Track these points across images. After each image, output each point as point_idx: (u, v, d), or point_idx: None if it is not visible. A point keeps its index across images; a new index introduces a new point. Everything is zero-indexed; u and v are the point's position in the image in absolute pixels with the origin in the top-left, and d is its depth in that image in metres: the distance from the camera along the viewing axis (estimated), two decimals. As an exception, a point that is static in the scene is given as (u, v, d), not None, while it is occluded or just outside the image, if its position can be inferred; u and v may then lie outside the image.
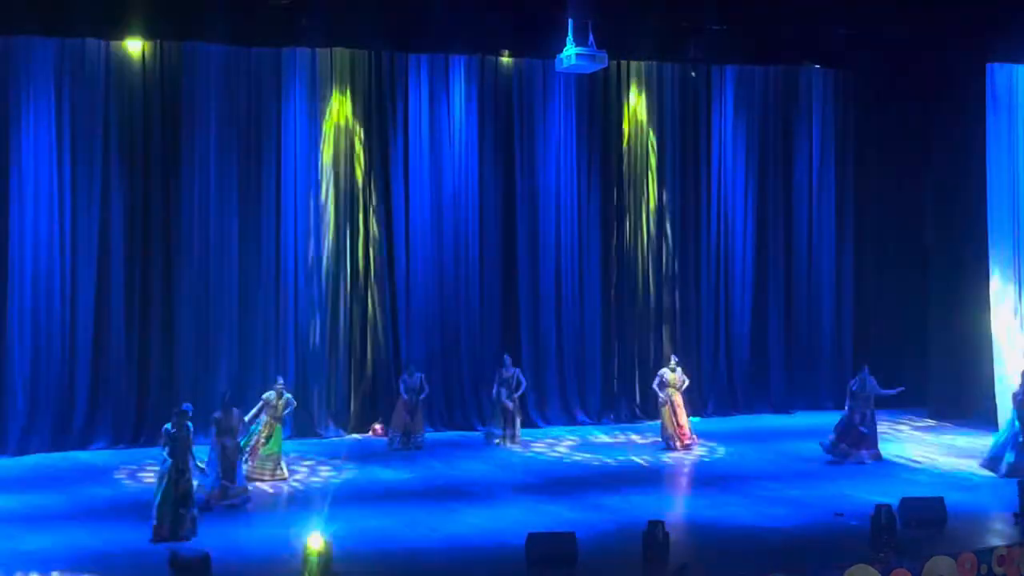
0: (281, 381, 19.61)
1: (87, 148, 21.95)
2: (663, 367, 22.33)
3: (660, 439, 21.92)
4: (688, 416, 22.04)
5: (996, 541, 14.60)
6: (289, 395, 19.49)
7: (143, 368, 22.30)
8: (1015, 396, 19.34)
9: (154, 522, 15.08)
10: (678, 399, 21.82)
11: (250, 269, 23.03)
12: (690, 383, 22.39)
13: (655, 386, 22.00)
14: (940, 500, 15.61)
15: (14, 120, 21.48)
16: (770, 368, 26.47)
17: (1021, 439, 18.92)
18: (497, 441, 22.30)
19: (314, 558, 12.84)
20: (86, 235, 21.97)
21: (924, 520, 15.20)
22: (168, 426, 15.52)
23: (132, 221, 22.30)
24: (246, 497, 17.22)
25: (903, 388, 20.94)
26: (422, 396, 21.97)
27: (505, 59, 24.49)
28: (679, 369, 22.06)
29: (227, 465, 17.11)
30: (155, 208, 22.51)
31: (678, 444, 21.58)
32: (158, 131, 22.47)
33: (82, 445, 21.60)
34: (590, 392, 25.14)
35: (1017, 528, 15.38)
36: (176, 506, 15.10)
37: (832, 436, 20.36)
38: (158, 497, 15.22)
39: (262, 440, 18.84)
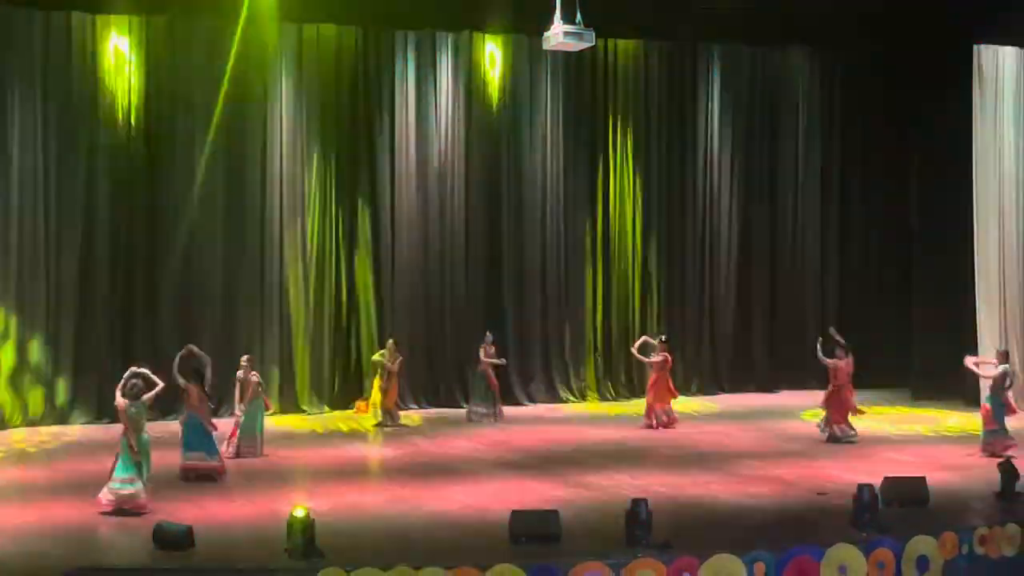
0: (246, 358, 19.54)
1: (72, 124, 21.89)
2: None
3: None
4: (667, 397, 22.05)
5: (978, 521, 14.63)
6: (255, 374, 19.42)
7: (127, 343, 22.30)
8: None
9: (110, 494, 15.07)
10: (660, 377, 21.86)
11: (235, 246, 23.06)
12: (673, 362, 22.37)
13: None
14: (922, 480, 15.64)
15: (-1, 95, 21.50)
16: (754, 347, 26.54)
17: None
18: (480, 419, 22.34)
19: (297, 532, 12.83)
20: (69, 213, 21.95)
21: (906, 500, 15.22)
22: (128, 400, 15.46)
23: (116, 199, 22.34)
24: (214, 471, 17.19)
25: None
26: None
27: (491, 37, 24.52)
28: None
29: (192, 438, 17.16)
30: (139, 185, 22.50)
31: (652, 423, 21.62)
32: (143, 107, 22.43)
33: (66, 420, 21.60)
34: (574, 370, 25.19)
35: (998, 508, 15.43)
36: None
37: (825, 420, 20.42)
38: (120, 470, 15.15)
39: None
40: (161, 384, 15.94)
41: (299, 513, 12.96)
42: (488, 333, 22.88)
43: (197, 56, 22.68)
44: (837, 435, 20.02)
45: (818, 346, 20.48)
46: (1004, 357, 19.54)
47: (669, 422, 21.60)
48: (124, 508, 14.78)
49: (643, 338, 22.56)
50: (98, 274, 22.16)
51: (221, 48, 22.75)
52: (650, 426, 21.52)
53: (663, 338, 22.21)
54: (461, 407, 23.62)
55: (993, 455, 18.15)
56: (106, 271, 22.21)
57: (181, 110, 22.58)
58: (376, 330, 23.73)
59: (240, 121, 23.04)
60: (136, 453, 15.08)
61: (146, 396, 15.45)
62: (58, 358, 21.90)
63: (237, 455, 18.37)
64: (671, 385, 21.82)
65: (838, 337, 20.44)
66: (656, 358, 21.71)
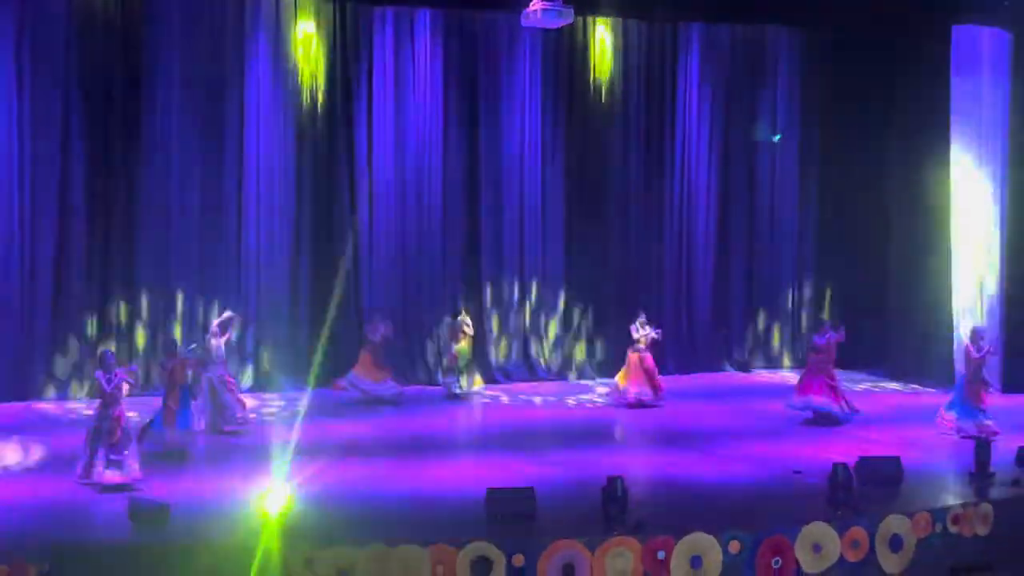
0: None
1: (48, 94, 21.75)
2: (634, 323, 22.25)
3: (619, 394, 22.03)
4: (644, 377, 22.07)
5: (951, 500, 14.73)
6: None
7: (103, 315, 22.21)
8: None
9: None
10: (639, 356, 21.88)
11: (211, 220, 22.94)
12: (650, 341, 22.28)
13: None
14: (897, 459, 15.72)
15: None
16: (731, 326, 26.59)
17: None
18: (457, 391, 22.39)
19: (273, 509, 12.85)
20: (46, 182, 21.78)
21: (881, 479, 15.31)
22: (99, 373, 15.45)
23: (93, 169, 22.13)
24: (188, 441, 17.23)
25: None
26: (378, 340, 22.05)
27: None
28: (647, 327, 22.04)
29: (170, 411, 17.15)
30: (115, 154, 22.32)
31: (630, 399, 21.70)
32: (120, 78, 22.23)
33: (41, 394, 21.55)
34: (550, 346, 25.22)
35: (972, 488, 15.51)
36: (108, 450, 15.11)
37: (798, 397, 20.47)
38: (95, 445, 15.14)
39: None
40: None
41: (275, 489, 12.99)
42: (463, 308, 23.00)
43: (174, 29, 22.51)
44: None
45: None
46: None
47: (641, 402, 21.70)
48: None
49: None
50: (74, 244, 21.99)
51: (198, 19, 22.65)
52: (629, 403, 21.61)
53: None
54: (438, 383, 23.66)
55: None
56: (83, 242, 22.04)
57: (158, 84, 22.45)
58: (354, 305, 23.68)
59: (217, 98, 22.92)
60: None
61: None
62: (33, 330, 21.81)
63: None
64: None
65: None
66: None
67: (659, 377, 22.02)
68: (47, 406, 21.01)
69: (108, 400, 15.26)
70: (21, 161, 21.57)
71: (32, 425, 19.36)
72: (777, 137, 26.39)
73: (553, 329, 25.32)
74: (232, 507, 14.09)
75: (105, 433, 15.09)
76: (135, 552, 12.61)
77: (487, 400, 22.33)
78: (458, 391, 22.37)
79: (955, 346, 22.78)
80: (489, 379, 23.71)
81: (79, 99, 21.92)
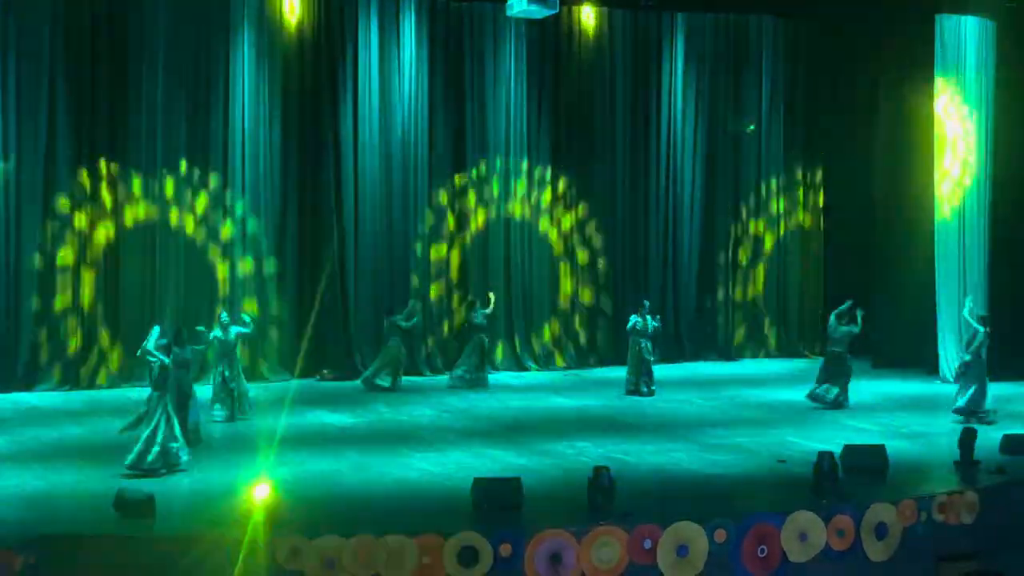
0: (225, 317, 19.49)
1: (33, 84, 21.74)
2: (636, 313, 22.22)
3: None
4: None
5: (936, 488, 14.74)
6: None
7: (89, 309, 22.16)
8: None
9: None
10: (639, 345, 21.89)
11: (198, 211, 22.93)
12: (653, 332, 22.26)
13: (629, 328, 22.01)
14: (882, 448, 15.75)
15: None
16: (716, 315, 26.62)
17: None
18: (465, 384, 22.42)
19: (259, 500, 12.82)
20: (31, 171, 21.77)
21: (866, 467, 15.33)
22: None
23: (79, 160, 22.12)
24: (196, 437, 17.16)
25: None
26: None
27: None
28: (649, 316, 22.01)
29: (182, 401, 17.08)
30: (101, 141, 22.30)
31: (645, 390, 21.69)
32: (105, 66, 22.25)
33: (27, 387, 21.50)
34: (538, 338, 25.22)
35: (957, 476, 15.55)
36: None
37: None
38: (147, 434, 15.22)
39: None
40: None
41: (260, 481, 12.96)
42: (477, 301, 23.04)
43: (159, 14, 22.47)
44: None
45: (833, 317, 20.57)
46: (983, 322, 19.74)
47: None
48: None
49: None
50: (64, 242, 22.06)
51: (183, 7, 22.64)
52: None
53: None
54: (424, 375, 23.66)
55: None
56: (74, 239, 22.11)
57: (143, 70, 22.40)
58: (340, 296, 23.65)
59: (204, 88, 22.89)
60: None
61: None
62: (19, 325, 21.76)
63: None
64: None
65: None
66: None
67: (651, 367, 22.02)
68: (33, 398, 20.99)
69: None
70: (5, 152, 21.59)
71: (17, 418, 19.29)
72: (751, 128, 26.42)
73: (539, 319, 25.33)
74: (217, 498, 14.07)
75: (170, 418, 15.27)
76: (121, 543, 12.57)
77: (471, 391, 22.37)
78: (466, 384, 22.46)
79: (938, 336, 22.97)
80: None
81: (64, 96, 21.94)
